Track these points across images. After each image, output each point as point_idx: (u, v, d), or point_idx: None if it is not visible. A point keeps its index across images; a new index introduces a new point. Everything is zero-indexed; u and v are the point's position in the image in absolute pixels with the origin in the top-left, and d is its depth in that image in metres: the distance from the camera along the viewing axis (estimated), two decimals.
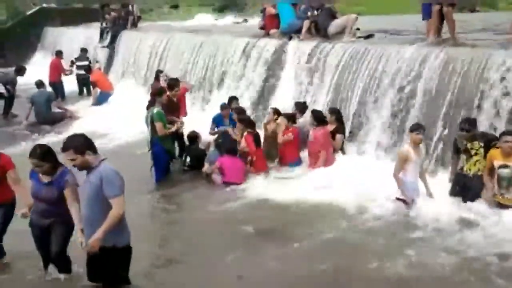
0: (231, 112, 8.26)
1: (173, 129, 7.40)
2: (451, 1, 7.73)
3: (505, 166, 5.45)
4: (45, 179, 4.22)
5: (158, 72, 11.01)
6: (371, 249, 5.08)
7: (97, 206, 3.67)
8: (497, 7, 31.87)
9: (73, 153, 3.60)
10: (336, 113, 7.61)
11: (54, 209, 4.22)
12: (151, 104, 7.32)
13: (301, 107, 8.15)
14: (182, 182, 7.42)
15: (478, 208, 5.59)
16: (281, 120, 7.63)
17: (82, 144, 3.64)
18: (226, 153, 7.27)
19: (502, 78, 6.35)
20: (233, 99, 8.77)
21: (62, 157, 4.00)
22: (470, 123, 5.85)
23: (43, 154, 4.14)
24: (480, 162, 5.75)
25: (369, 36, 9.18)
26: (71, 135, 3.82)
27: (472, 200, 5.72)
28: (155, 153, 7.21)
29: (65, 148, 3.64)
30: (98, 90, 12.79)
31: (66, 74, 14.23)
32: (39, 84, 11.58)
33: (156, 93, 7.55)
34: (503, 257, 4.75)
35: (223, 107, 8.45)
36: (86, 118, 11.12)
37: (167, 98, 7.64)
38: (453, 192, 5.96)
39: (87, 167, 3.69)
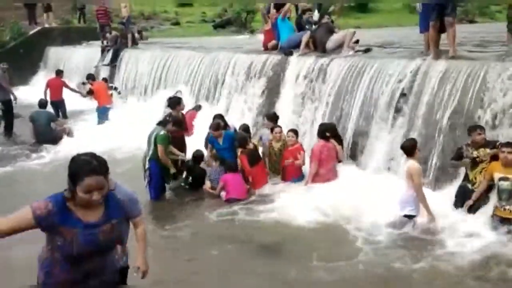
0: (229, 132, 8.15)
1: (172, 170, 7.34)
2: (453, 13, 7.76)
3: (506, 179, 5.44)
4: (93, 215, 2.82)
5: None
6: (371, 267, 5.04)
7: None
8: (495, 17, 32.04)
9: None
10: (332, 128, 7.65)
11: (109, 258, 2.97)
12: (161, 124, 7.25)
13: (273, 118, 8.24)
14: (182, 200, 7.41)
15: (480, 222, 5.58)
16: (290, 135, 7.69)
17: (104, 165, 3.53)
18: (228, 171, 7.29)
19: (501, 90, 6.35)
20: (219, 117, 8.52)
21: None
22: (484, 129, 5.84)
23: (105, 165, 2.80)
24: (483, 171, 5.76)
25: (367, 50, 9.23)
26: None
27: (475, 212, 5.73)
28: (151, 170, 7.14)
29: None
30: (95, 104, 12.86)
31: (78, 92, 14.37)
32: (42, 104, 11.65)
33: (172, 118, 7.42)
34: None
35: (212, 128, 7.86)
36: (86, 136, 11.07)
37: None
38: (457, 205, 5.95)
39: None
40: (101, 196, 2.75)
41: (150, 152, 7.12)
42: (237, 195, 7.11)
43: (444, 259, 5.08)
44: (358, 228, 5.89)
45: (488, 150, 5.74)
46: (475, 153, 5.84)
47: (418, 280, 4.79)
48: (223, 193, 7.23)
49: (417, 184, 5.78)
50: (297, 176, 7.64)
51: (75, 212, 2.76)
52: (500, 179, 5.49)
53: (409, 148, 5.98)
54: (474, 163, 5.86)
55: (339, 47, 9.33)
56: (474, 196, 5.75)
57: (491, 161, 5.70)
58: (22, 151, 10.31)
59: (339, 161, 7.59)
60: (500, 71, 6.43)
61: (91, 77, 13.86)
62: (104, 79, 14.33)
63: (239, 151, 7.65)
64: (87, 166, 2.70)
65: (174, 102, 8.18)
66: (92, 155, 2.80)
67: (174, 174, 7.59)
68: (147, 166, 7.14)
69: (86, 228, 2.77)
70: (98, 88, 12.98)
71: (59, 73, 14.49)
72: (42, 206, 2.70)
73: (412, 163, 5.88)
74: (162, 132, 7.05)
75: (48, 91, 13.64)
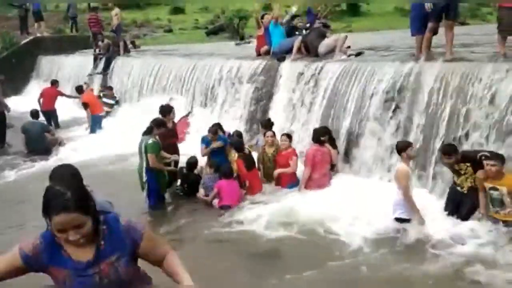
0: (223, 136, 8.21)
1: (168, 168, 7.30)
2: (456, 16, 7.78)
3: (495, 189, 5.47)
4: (84, 253, 2.32)
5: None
6: (370, 275, 5.01)
7: None
8: (486, 19, 32.27)
9: None
10: (326, 132, 7.62)
11: None
12: (147, 132, 7.23)
13: (267, 124, 8.24)
14: (177, 207, 7.35)
15: (473, 227, 5.56)
16: (283, 140, 7.65)
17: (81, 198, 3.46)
18: (223, 177, 7.25)
19: (494, 92, 6.35)
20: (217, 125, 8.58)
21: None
22: (450, 152, 5.81)
23: (83, 198, 2.27)
24: (470, 178, 5.75)
25: (359, 54, 9.23)
26: (59, 165, 3.58)
27: (467, 216, 5.71)
28: (149, 182, 7.10)
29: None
30: (90, 114, 12.75)
31: (75, 97, 14.26)
32: (34, 114, 11.58)
33: (155, 123, 7.37)
34: None
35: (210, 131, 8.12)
36: (80, 146, 11.03)
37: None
38: (448, 208, 5.94)
39: None
40: (80, 236, 2.21)
41: (144, 164, 7.06)
42: (230, 202, 7.04)
43: (428, 264, 5.04)
44: (349, 234, 5.84)
45: (469, 166, 5.73)
46: (456, 167, 5.84)
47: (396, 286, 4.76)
48: (215, 201, 7.17)
49: (404, 187, 5.78)
50: (292, 182, 7.59)
51: (65, 249, 2.29)
52: (490, 188, 5.53)
53: (398, 149, 5.99)
54: (458, 173, 5.86)
55: (331, 51, 9.34)
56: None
57: (474, 168, 5.69)
58: (14, 162, 10.22)
59: (333, 165, 7.57)
60: (493, 72, 6.44)
61: (79, 89, 13.74)
62: (109, 87, 14.31)
63: (235, 155, 7.61)
64: (58, 201, 2.17)
65: (165, 111, 8.16)
66: (68, 184, 2.27)
67: (169, 181, 7.57)
68: (145, 178, 7.09)
69: (77, 269, 2.30)
70: (88, 98, 12.87)
71: (54, 83, 14.44)
72: (30, 243, 2.31)
73: (401, 166, 5.90)
74: (150, 141, 7.00)
75: (41, 100, 13.61)
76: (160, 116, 7.99)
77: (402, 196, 5.82)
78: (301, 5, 11.08)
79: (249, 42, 19.48)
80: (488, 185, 5.52)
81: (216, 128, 8.10)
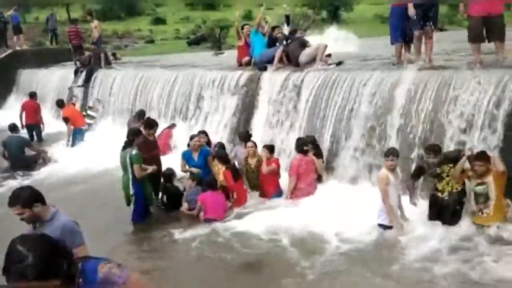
0: (205, 148, 8.19)
1: (149, 171, 7.24)
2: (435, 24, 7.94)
3: (481, 184, 5.60)
4: None
5: (142, 112, 10.93)
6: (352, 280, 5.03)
7: None
8: (463, 25, 32.84)
9: (21, 207, 3.40)
10: (311, 141, 7.67)
11: None
12: (128, 145, 7.22)
13: (246, 136, 8.26)
14: (160, 221, 7.27)
15: (458, 232, 5.63)
16: (263, 151, 7.66)
17: (29, 197, 3.44)
18: (208, 188, 7.20)
19: (472, 99, 6.47)
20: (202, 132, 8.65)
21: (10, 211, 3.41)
22: (435, 151, 5.90)
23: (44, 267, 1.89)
24: (451, 181, 5.84)
25: (339, 63, 9.32)
26: (17, 189, 3.58)
27: (450, 222, 5.76)
28: (135, 192, 7.04)
29: (12, 203, 3.43)
30: (72, 127, 12.62)
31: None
32: (13, 128, 11.41)
33: (133, 134, 7.42)
34: None
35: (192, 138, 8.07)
36: (62, 160, 10.90)
37: (142, 136, 7.61)
38: (431, 215, 5.99)
39: (37, 220, 3.47)
40: None
41: (131, 176, 7.01)
42: (216, 215, 6.98)
43: (400, 274, 5.07)
44: (332, 243, 5.88)
45: (451, 167, 5.81)
46: (438, 170, 5.91)
47: None
48: (201, 214, 7.10)
49: (381, 191, 5.85)
50: (276, 191, 7.61)
51: None
52: (476, 185, 5.66)
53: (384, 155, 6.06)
54: (440, 177, 5.93)
55: (312, 60, 9.41)
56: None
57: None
58: None
59: (319, 175, 7.60)
60: (470, 79, 6.57)
61: (60, 103, 13.57)
62: (98, 100, 14.18)
63: (221, 168, 7.58)
64: (16, 266, 1.83)
65: (151, 124, 8.09)
66: (32, 243, 1.89)
67: (155, 191, 7.56)
68: (132, 191, 7.04)
69: None
70: (69, 112, 12.70)
71: (33, 95, 14.27)
72: None
73: (381, 171, 5.98)
74: (134, 152, 7.00)
75: (23, 114, 13.43)
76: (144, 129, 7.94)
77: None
78: (275, 17, 11.18)
79: (222, 53, 19.74)
80: (474, 181, 5.64)
81: (204, 131, 8.33)
